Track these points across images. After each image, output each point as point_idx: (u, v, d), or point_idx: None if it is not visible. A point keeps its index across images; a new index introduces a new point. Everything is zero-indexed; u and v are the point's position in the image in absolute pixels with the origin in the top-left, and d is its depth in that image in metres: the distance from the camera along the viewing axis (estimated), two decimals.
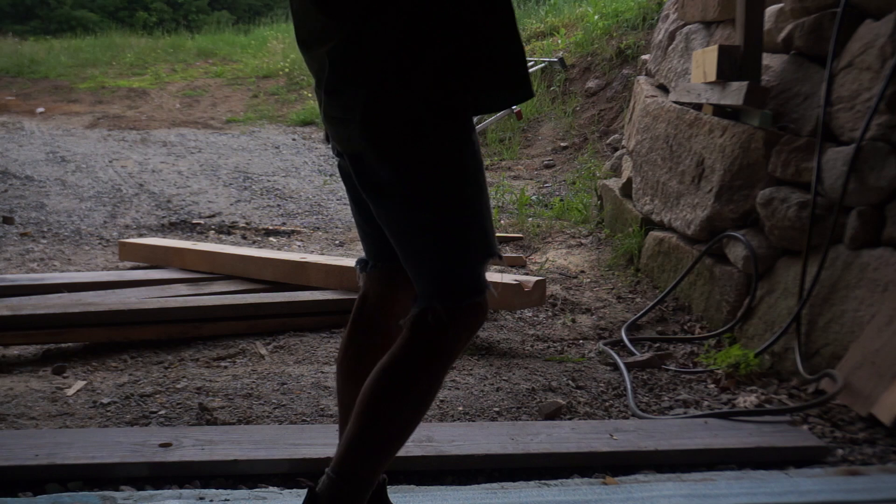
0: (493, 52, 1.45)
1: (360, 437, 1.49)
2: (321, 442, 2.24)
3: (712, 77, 3.50)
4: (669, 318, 3.68)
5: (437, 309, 1.47)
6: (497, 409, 2.67)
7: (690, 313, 3.65)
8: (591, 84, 7.86)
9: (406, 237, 1.50)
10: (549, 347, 3.38)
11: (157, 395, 2.70)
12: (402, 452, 2.18)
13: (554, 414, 2.62)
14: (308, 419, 2.54)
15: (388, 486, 2.06)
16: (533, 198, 5.96)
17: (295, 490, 2.04)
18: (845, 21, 3.02)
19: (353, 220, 6.28)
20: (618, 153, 5.81)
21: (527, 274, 4.28)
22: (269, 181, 6.67)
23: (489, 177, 6.83)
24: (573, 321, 3.71)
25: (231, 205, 6.01)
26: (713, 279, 3.50)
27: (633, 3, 8.27)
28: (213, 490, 2.03)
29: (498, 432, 2.38)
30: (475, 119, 1.90)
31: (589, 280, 4.32)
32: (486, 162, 7.29)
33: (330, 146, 1.63)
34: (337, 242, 5.08)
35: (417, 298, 1.52)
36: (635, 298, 3.98)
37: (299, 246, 4.99)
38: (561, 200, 5.72)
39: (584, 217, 5.30)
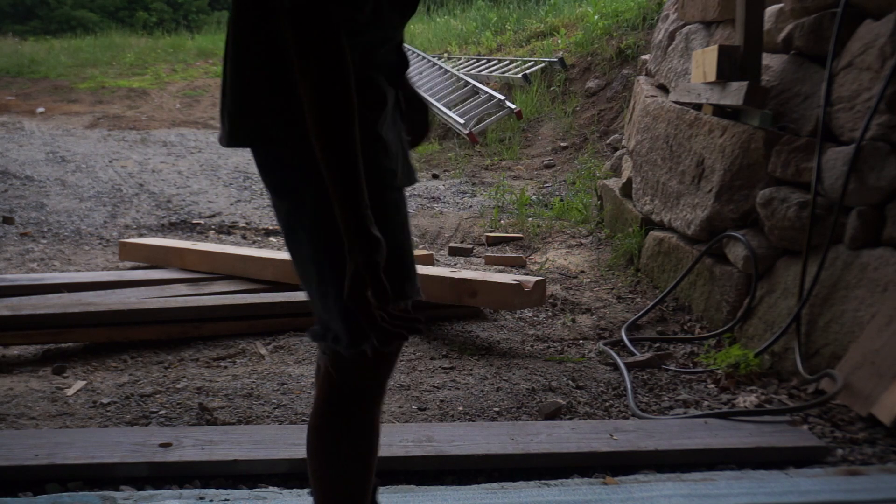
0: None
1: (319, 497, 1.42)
2: None
3: (712, 77, 3.50)
4: (669, 318, 3.68)
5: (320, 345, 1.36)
6: (497, 409, 2.67)
7: (690, 313, 3.66)
8: (591, 84, 7.86)
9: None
10: (549, 347, 3.38)
11: (157, 395, 2.70)
12: (401, 452, 2.20)
13: (554, 414, 2.62)
14: (308, 419, 2.54)
15: (388, 486, 2.07)
16: (533, 198, 5.96)
17: (295, 490, 2.04)
18: (845, 21, 3.02)
19: None
20: (618, 153, 5.82)
21: (527, 274, 4.28)
22: None
23: (490, 177, 6.84)
24: (573, 321, 3.71)
25: (231, 205, 6.02)
26: (713, 279, 3.50)
27: (633, 3, 8.28)
28: (213, 490, 2.03)
29: (498, 432, 2.38)
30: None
31: (589, 280, 4.32)
32: (486, 162, 7.30)
33: None
34: None
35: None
36: (635, 298, 3.98)
37: None
38: (561, 200, 5.72)
39: (584, 217, 5.30)
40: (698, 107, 3.76)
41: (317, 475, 1.39)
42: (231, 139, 1.36)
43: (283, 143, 1.30)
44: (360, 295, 1.16)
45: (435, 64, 9.26)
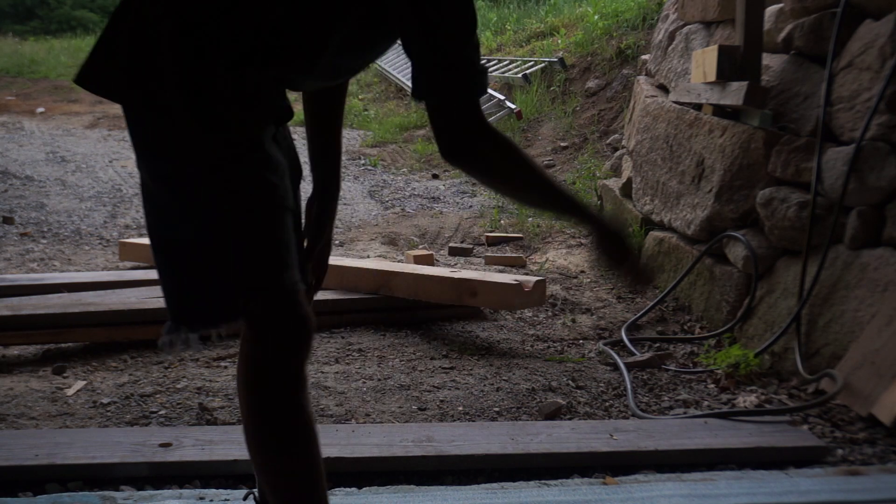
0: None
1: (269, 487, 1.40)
2: (321, 442, 2.23)
3: (712, 77, 3.50)
4: (669, 318, 3.68)
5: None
6: (497, 409, 2.67)
7: (690, 313, 3.66)
8: (591, 84, 7.85)
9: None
10: (549, 347, 3.38)
11: (157, 395, 2.70)
12: (401, 452, 2.20)
13: (554, 414, 2.62)
14: None
15: (388, 486, 2.07)
16: None
17: None
18: (845, 21, 3.02)
19: (351, 220, 6.22)
20: (618, 153, 5.81)
21: (527, 274, 4.28)
22: None
23: None
24: (573, 321, 3.71)
25: None
26: (713, 279, 3.50)
27: (633, 3, 8.28)
28: (213, 490, 2.03)
29: (498, 432, 2.38)
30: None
31: (589, 280, 4.32)
32: None
33: None
34: (336, 242, 5.08)
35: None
36: (635, 298, 3.98)
37: None
38: None
39: None
40: (698, 107, 3.76)
41: (262, 478, 1.37)
42: (109, 83, 1.29)
43: (172, 115, 1.25)
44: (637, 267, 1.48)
45: None
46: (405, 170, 7.36)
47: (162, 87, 1.25)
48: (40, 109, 9.42)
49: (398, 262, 4.41)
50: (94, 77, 1.30)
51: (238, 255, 1.30)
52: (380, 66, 9.98)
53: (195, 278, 1.33)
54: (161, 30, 1.25)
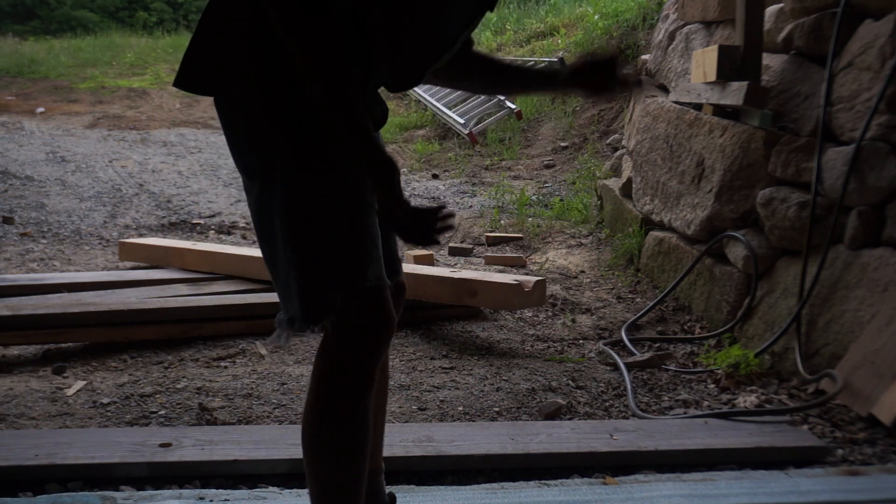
0: None
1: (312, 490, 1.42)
2: None
3: (712, 77, 3.50)
4: (669, 318, 3.68)
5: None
6: (497, 409, 2.67)
7: (690, 313, 3.65)
8: None
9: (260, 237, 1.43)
10: (549, 347, 3.38)
11: (157, 395, 2.70)
12: (401, 452, 2.20)
13: (554, 414, 2.62)
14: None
15: (388, 486, 2.06)
16: (533, 198, 5.96)
17: (295, 490, 2.04)
18: (845, 21, 3.02)
19: None
20: (618, 153, 5.82)
21: (527, 274, 4.28)
22: None
23: (490, 177, 6.84)
24: (573, 321, 3.71)
25: (231, 205, 6.02)
26: (713, 279, 3.50)
27: (633, 3, 8.28)
28: (213, 490, 2.03)
29: (498, 432, 2.38)
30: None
31: (589, 280, 4.32)
32: (486, 162, 7.30)
33: None
34: None
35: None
36: (635, 298, 3.98)
37: None
38: (561, 200, 5.72)
39: (584, 217, 5.30)
40: (698, 107, 3.76)
41: (312, 470, 1.39)
42: (201, 81, 1.36)
43: (250, 109, 1.33)
44: (391, 214, 1.30)
45: None
46: (405, 170, 7.36)
47: (259, 84, 1.31)
48: (40, 109, 9.42)
49: None
50: (193, 78, 1.37)
51: (325, 253, 1.34)
52: None
53: (289, 278, 1.36)
54: (256, 28, 1.30)
